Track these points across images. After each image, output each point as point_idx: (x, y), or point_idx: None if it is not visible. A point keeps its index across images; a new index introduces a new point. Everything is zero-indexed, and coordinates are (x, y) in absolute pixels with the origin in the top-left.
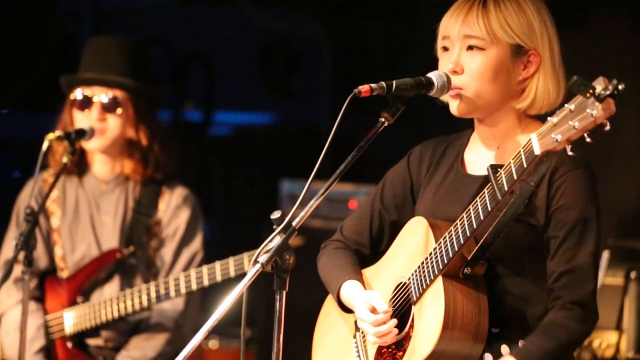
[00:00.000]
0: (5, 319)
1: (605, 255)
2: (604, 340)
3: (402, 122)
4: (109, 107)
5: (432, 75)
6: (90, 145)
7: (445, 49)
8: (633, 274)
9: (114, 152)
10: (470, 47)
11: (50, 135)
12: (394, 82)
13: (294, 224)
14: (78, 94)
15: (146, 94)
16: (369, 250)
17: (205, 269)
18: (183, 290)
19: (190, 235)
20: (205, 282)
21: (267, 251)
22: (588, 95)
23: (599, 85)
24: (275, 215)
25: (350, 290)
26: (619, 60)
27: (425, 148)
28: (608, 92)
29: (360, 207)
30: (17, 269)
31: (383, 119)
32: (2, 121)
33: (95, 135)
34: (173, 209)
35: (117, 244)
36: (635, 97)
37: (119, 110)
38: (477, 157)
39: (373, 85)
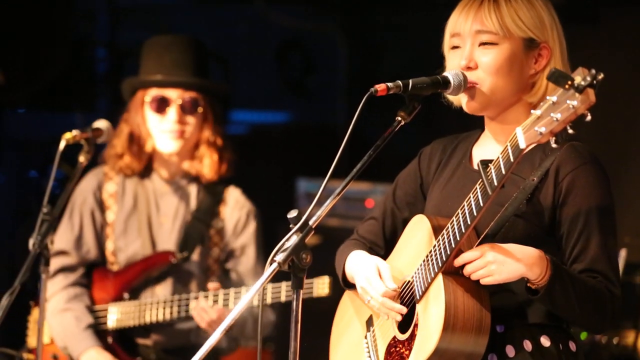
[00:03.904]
0: (50, 304)
1: (622, 253)
2: (621, 339)
3: (419, 121)
4: (188, 109)
5: (448, 73)
6: (167, 146)
7: (455, 47)
8: None
9: (186, 154)
10: (482, 43)
11: (68, 135)
12: (411, 81)
13: (310, 223)
14: (155, 96)
15: (220, 93)
16: (383, 249)
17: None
18: (231, 306)
19: (259, 249)
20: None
21: (284, 250)
22: (567, 86)
23: (578, 76)
24: (292, 214)
25: (356, 257)
26: (634, 57)
27: (436, 146)
28: (587, 83)
29: (374, 208)
30: (61, 260)
31: (400, 118)
32: (19, 120)
33: (174, 137)
34: (236, 222)
35: (173, 247)
36: None
37: (200, 110)
38: (485, 153)
39: (389, 84)
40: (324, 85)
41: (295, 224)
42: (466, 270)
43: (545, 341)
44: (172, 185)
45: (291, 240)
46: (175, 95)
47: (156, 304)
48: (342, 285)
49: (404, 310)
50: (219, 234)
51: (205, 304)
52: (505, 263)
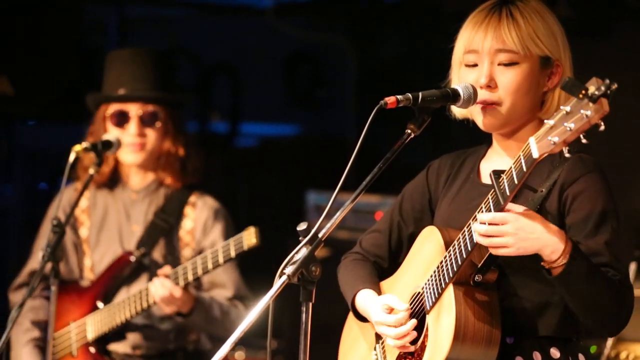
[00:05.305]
0: (12, 315)
1: (632, 266)
2: (630, 352)
3: (429, 133)
4: (148, 122)
5: (458, 86)
6: (128, 159)
7: (470, 64)
8: None
9: (149, 164)
10: (503, 62)
11: (77, 147)
12: (420, 94)
13: (320, 235)
14: (115, 110)
15: (180, 105)
16: (388, 262)
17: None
18: (181, 283)
19: None
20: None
21: (294, 263)
22: (581, 96)
23: (592, 85)
24: (302, 226)
25: (365, 298)
26: None
27: (444, 161)
28: (601, 92)
29: (379, 221)
30: (26, 276)
31: (409, 131)
32: (29, 132)
33: (135, 150)
34: (204, 221)
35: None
36: None
37: (158, 124)
38: (493, 167)
39: (399, 96)
40: (333, 97)
41: (305, 237)
42: (481, 231)
43: (555, 353)
44: (141, 193)
45: (300, 252)
46: (134, 109)
47: (124, 302)
48: (356, 317)
49: (415, 324)
50: (190, 234)
51: (159, 280)
52: (525, 240)
